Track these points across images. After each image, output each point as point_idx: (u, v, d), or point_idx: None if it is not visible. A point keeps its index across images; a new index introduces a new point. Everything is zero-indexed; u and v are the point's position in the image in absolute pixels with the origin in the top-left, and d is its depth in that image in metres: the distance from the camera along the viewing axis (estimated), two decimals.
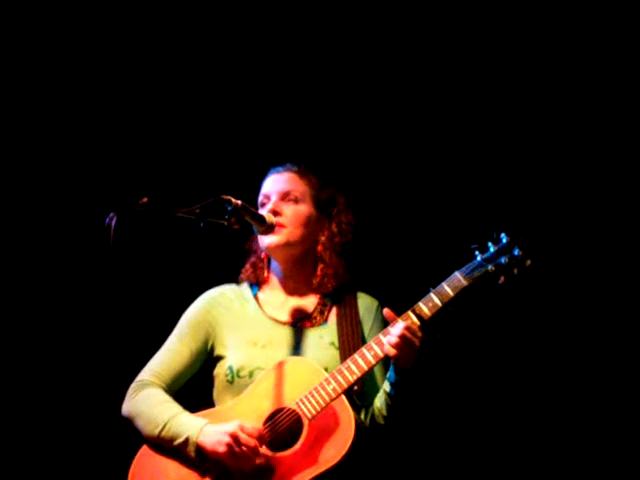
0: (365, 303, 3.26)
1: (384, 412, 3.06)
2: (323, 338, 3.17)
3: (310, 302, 3.26)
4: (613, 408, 3.99)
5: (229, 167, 4.23)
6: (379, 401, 3.08)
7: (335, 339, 3.15)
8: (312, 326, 3.21)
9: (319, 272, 3.25)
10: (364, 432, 3.05)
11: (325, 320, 3.23)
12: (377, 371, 3.15)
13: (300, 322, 3.22)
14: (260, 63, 4.32)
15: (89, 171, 4.32)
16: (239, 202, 2.94)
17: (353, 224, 3.33)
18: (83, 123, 4.34)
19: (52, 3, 4.25)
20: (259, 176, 3.38)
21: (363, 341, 3.13)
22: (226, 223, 2.90)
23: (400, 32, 4.22)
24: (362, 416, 3.10)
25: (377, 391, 3.12)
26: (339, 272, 3.26)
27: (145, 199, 2.70)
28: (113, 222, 2.56)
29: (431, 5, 4.17)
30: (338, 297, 3.26)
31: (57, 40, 4.28)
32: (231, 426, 2.95)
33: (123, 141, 4.33)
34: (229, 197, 2.92)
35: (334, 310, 3.24)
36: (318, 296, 3.27)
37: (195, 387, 3.28)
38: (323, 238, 3.27)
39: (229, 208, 2.91)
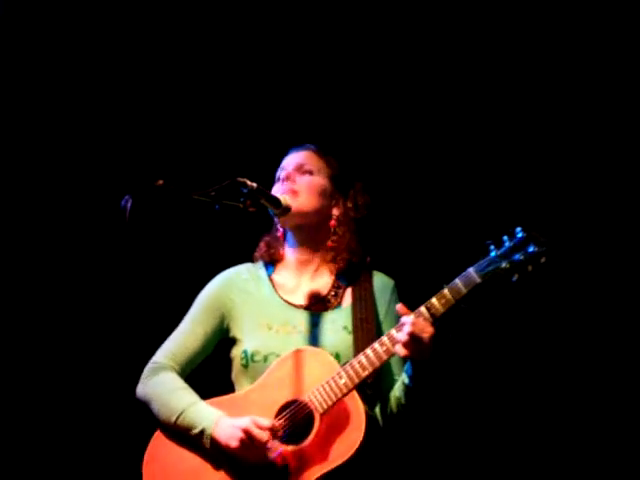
0: (381, 282, 3.24)
1: (402, 401, 3.04)
2: (336, 322, 3.15)
3: (324, 284, 3.24)
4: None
5: (245, 150, 4.23)
6: (398, 391, 3.06)
7: (348, 323, 3.14)
8: (326, 309, 3.19)
9: (330, 244, 3.23)
10: (375, 428, 3.03)
11: (339, 303, 3.21)
12: (393, 361, 3.11)
13: (314, 305, 3.19)
14: (276, 49, 4.32)
15: (105, 154, 4.33)
16: (255, 184, 2.93)
17: (369, 203, 3.32)
18: (100, 107, 4.35)
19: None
20: (275, 160, 3.37)
21: (377, 325, 3.12)
22: (242, 205, 2.90)
23: (423, 22, 4.22)
24: (374, 408, 3.08)
25: (392, 381, 3.11)
26: (352, 245, 3.24)
27: (161, 181, 2.69)
28: (129, 204, 2.55)
29: None
30: (353, 278, 3.24)
31: (81, 23, 4.31)
32: (244, 421, 2.95)
33: (140, 124, 4.33)
34: (245, 179, 2.91)
35: (348, 292, 3.22)
36: (332, 277, 3.25)
37: (213, 369, 3.27)
38: (337, 213, 3.26)
39: (245, 190, 2.90)
